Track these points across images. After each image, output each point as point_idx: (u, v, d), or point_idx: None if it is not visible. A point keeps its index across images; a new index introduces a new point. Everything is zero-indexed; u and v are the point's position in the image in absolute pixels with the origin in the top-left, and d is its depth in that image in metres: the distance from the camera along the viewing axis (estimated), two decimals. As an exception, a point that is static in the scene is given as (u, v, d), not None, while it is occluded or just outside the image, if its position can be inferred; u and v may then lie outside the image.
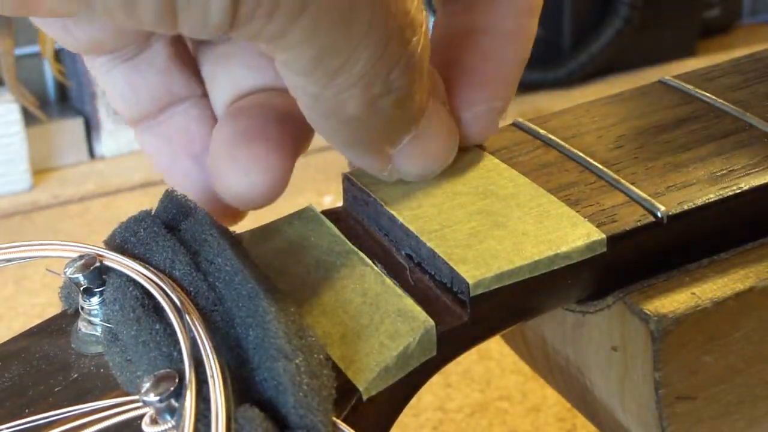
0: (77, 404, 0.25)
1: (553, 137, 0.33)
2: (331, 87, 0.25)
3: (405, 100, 0.27)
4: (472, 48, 0.31)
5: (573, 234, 0.29)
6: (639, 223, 0.29)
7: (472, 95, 0.31)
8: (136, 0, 0.21)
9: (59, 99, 1.09)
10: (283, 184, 0.29)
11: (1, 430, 0.25)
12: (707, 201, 0.30)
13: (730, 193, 0.30)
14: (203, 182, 0.31)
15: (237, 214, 0.31)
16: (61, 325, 0.28)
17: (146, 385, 0.23)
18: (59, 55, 1.05)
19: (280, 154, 0.29)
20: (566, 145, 0.33)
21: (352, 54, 0.24)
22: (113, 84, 0.31)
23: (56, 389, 0.26)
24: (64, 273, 0.27)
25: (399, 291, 0.28)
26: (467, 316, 0.28)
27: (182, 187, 0.30)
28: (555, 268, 0.28)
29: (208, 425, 0.23)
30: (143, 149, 0.32)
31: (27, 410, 0.25)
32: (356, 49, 0.24)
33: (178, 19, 0.22)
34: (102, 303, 0.27)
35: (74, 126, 1.04)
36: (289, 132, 0.29)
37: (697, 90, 0.35)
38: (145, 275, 0.27)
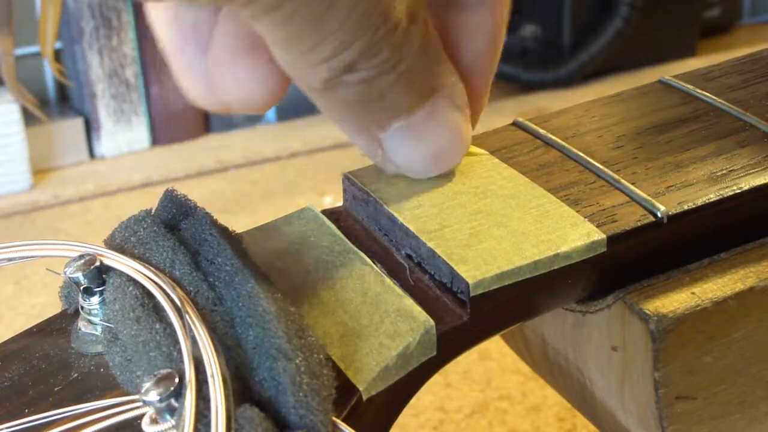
0: (77, 404, 0.25)
1: (553, 137, 0.33)
2: (301, 61, 0.26)
3: (383, 86, 0.28)
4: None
5: (573, 234, 0.29)
6: (639, 223, 0.29)
7: None
8: None
9: (59, 99, 1.09)
10: (277, 97, 0.29)
11: (1, 429, 0.25)
12: (707, 201, 0.30)
13: (730, 193, 0.30)
14: (204, 72, 0.30)
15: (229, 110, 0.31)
16: (61, 324, 0.28)
17: (146, 385, 0.23)
18: (59, 55, 1.05)
19: (277, 68, 0.29)
20: (566, 145, 0.33)
21: (320, 42, 0.26)
22: None
23: (56, 389, 0.26)
24: (64, 272, 0.27)
25: (399, 291, 0.28)
26: (467, 316, 0.28)
27: (183, 73, 0.30)
28: (555, 268, 0.28)
29: (208, 425, 0.23)
30: (153, 27, 0.31)
31: (27, 410, 0.25)
32: (324, 40, 0.26)
33: None
34: (102, 302, 0.27)
35: (74, 126, 1.04)
36: None
37: (697, 90, 0.35)
38: (145, 275, 0.27)
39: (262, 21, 0.25)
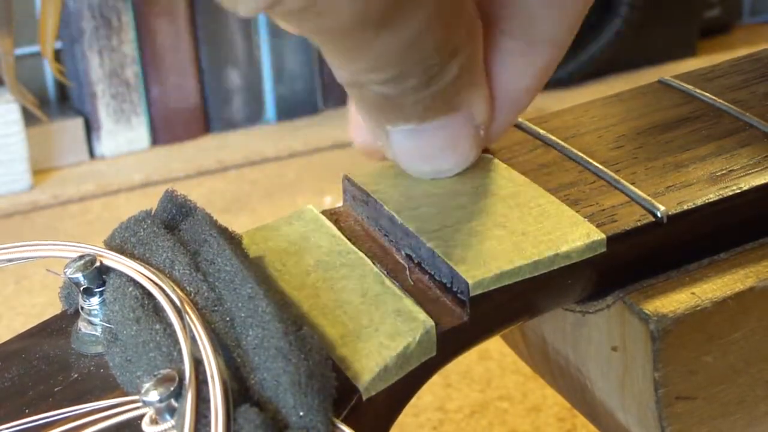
0: (77, 404, 0.25)
1: (553, 137, 0.33)
2: (328, 59, 0.27)
3: (403, 102, 0.28)
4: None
5: (573, 234, 0.29)
6: (639, 223, 0.29)
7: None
8: None
9: (59, 99, 1.09)
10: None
11: (2, 430, 0.25)
12: (707, 201, 0.30)
13: (730, 193, 0.30)
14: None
15: None
16: (61, 325, 0.28)
17: (146, 386, 0.23)
18: (59, 55, 1.05)
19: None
20: (566, 145, 0.33)
21: (351, 62, 0.26)
22: None
23: (56, 389, 0.26)
24: (64, 273, 0.27)
25: (398, 291, 0.28)
26: (467, 316, 0.28)
27: (352, 126, 0.31)
28: (555, 268, 0.28)
29: (207, 425, 0.23)
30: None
31: (27, 410, 0.25)
32: (356, 61, 0.26)
33: None
34: (102, 303, 0.27)
35: (74, 126, 1.04)
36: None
37: (697, 90, 0.35)
38: (145, 275, 0.27)
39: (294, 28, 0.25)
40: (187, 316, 0.25)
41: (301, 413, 0.23)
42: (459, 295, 0.28)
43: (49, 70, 1.05)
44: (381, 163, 0.32)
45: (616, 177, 0.31)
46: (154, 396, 0.23)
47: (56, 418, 0.25)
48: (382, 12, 0.24)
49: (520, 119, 0.34)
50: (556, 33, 0.30)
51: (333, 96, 1.11)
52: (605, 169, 0.31)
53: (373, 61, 0.26)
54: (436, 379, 0.29)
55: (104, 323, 0.27)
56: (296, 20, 0.24)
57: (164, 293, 0.26)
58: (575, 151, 0.32)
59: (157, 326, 0.25)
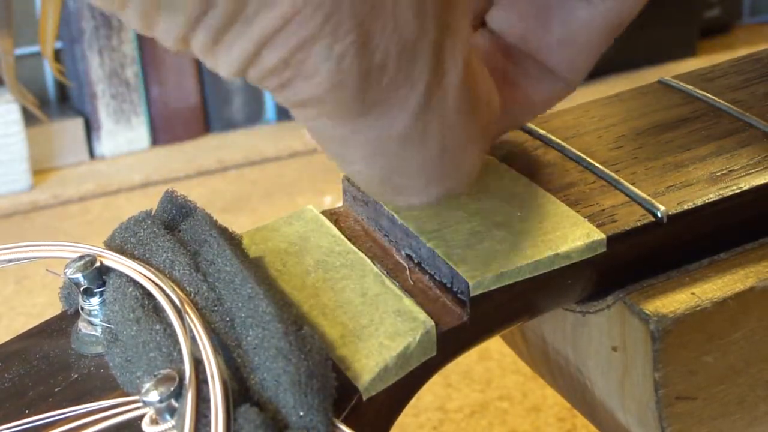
0: (77, 405, 0.25)
1: (553, 137, 0.33)
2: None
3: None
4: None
5: (573, 234, 0.29)
6: (639, 223, 0.29)
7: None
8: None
9: (59, 99, 1.09)
10: None
11: (2, 430, 0.25)
12: (707, 201, 0.30)
13: (730, 193, 0.30)
14: None
15: None
16: (61, 325, 0.28)
17: (146, 386, 0.23)
18: (59, 55, 1.05)
19: None
20: (566, 145, 0.33)
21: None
22: None
23: (56, 390, 0.26)
24: (64, 273, 0.27)
25: (398, 291, 0.28)
26: (467, 316, 0.28)
27: None
28: (555, 268, 0.28)
29: (207, 425, 0.23)
30: None
31: (27, 411, 0.25)
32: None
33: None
34: (102, 303, 0.27)
35: (74, 126, 1.04)
36: None
37: (697, 90, 0.35)
38: (145, 275, 0.27)
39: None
40: (187, 317, 0.25)
41: (301, 413, 0.23)
42: (459, 295, 0.28)
43: (49, 70, 1.05)
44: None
45: (616, 177, 0.31)
46: (154, 396, 0.23)
47: (56, 419, 0.25)
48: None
49: (520, 119, 0.34)
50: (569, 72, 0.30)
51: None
52: (605, 169, 0.31)
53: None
54: (436, 379, 0.29)
55: (104, 323, 0.27)
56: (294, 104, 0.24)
57: (164, 293, 0.26)
58: (575, 151, 0.32)
59: (157, 326, 0.25)
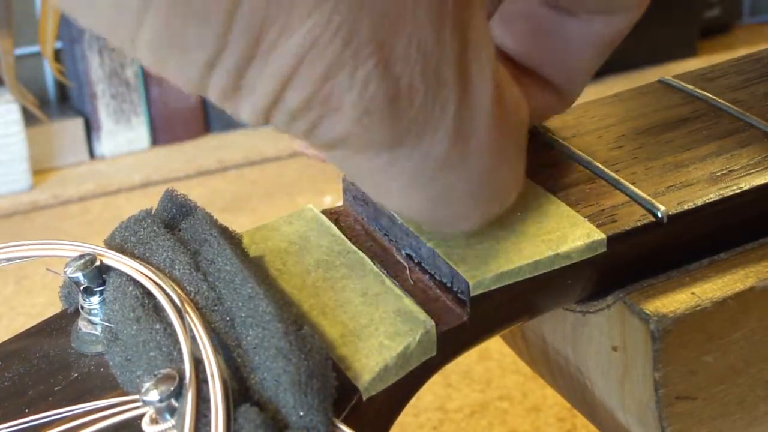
0: (77, 404, 0.25)
1: (553, 137, 0.33)
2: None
3: None
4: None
5: (573, 234, 0.29)
6: (639, 223, 0.29)
7: None
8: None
9: (59, 99, 1.09)
10: None
11: (1, 430, 0.25)
12: (707, 201, 0.30)
13: (730, 193, 0.30)
14: None
15: None
16: (61, 324, 0.28)
17: (146, 385, 0.23)
18: (59, 55, 1.05)
19: None
20: (566, 145, 0.33)
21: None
22: None
23: (56, 389, 0.26)
24: (64, 272, 0.27)
25: (399, 291, 0.28)
26: (467, 316, 0.28)
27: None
28: (555, 268, 0.28)
29: (207, 425, 0.23)
30: None
31: (27, 410, 0.25)
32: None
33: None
34: (102, 302, 0.27)
35: (74, 126, 1.04)
36: None
37: (697, 90, 0.35)
38: (145, 275, 0.27)
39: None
40: (187, 316, 0.25)
41: (301, 413, 0.23)
42: (459, 295, 0.28)
43: (49, 70, 1.05)
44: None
45: (617, 177, 0.31)
46: (154, 395, 0.23)
47: (56, 418, 0.25)
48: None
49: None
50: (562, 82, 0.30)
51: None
52: (605, 169, 0.31)
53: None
54: (436, 379, 0.29)
55: (104, 322, 0.27)
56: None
57: (164, 293, 0.26)
58: (575, 150, 0.32)
59: (157, 326, 0.25)
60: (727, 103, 0.34)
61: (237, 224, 0.30)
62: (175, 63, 0.20)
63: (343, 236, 0.30)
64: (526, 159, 0.27)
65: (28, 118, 1.00)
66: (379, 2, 0.20)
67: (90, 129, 1.05)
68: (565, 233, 0.29)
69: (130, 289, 0.26)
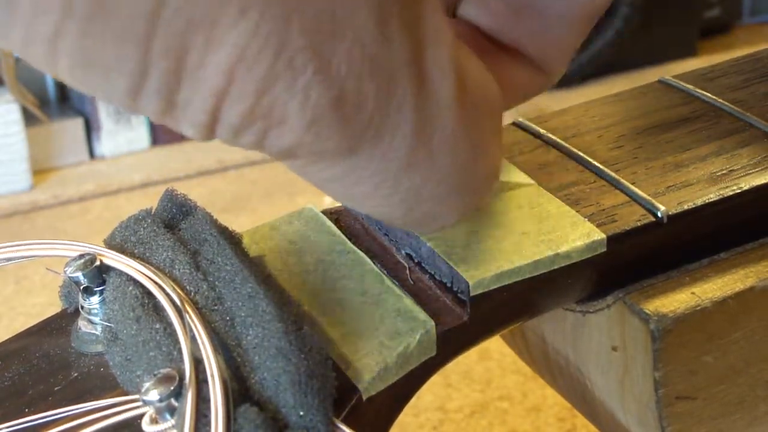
0: (77, 404, 0.25)
1: (553, 137, 0.33)
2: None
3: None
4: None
5: (573, 234, 0.29)
6: (639, 223, 0.29)
7: None
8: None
9: (59, 99, 1.09)
10: None
11: (1, 429, 0.25)
12: (707, 201, 0.30)
13: (730, 193, 0.30)
14: None
15: None
16: (61, 324, 0.28)
17: (146, 385, 0.23)
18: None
19: None
20: (566, 145, 0.33)
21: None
22: None
23: (56, 388, 0.26)
24: (64, 272, 0.27)
25: (398, 291, 0.28)
26: (467, 315, 0.28)
27: None
28: (555, 267, 0.28)
29: (207, 425, 0.23)
30: None
31: (27, 409, 0.25)
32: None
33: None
34: (102, 302, 0.27)
35: (74, 126, 1.04)
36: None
37: (697, 90, 0.35)
38: (145, 274, 0.27)
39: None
40: (187, 316, 0.25)
41: (301, 413, 0.23)
42: (459, 295, 0.28)
43: (49, 70, 1.05)
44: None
45: (617, 177, 0.31)
46: (154, 395, 0.23)
47: (56, 418, 0.25)
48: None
49: (520, 119, 0.34)
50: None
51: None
52: (605, 169, 0.31)
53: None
54: (436, 379, 0.29)
55: (104, 322, 0.27)
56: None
57: (164, 292, 0.26)
58: (575, 150, 0.32)
59: (157, 325, 0.25)
60: (727, 103, 0.34)
61: (237, 224, 0.30)
62: (100, 88, 0.20)
63: (343, 236, 0.30)
64: (502, 141, 0.26)
65: (28, 118, 1.00)
66: (309, 8, 0.19)
67: (90, 129, 1.05)
68: (565, 233, 0.29)
69: (130, 288, 0.26)
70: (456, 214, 0.25)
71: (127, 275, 0.27)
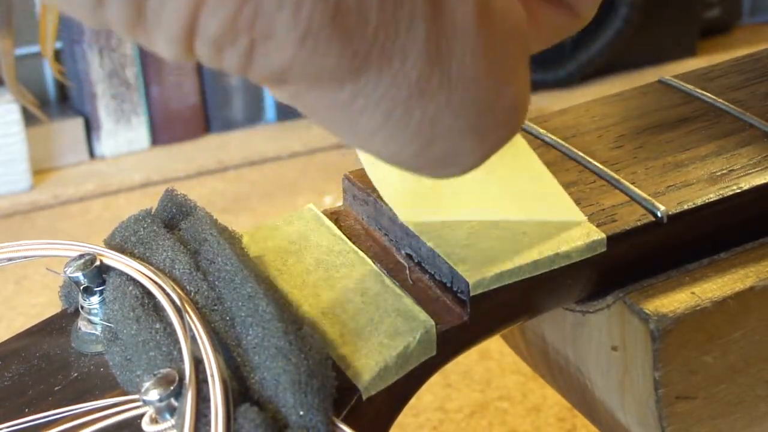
0: (77, 403, 0.25)
1: (553, 137, 0.33)
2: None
3: None
4: None
5: (573, 234, 0.29)
6: (639, 223, 0.29)
7: None
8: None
9: (59, 99, 1.09)
10: None
11: (1, 429, 0.25)
12: (707, 201, 0.30)
13: (730, 193, 0.30)
14: None
15: None
16: (61, 324, 0.28)
17: (146, 385, 0.23)
18: (59, 55, 1.05)
19: None
20: (566, 145, 0.33)
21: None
22: None
23: (56, 388, 0.26)
24: (64, 272, 0.27)
25: (399, 291, 0.28)
26: (467, 315, 0.28)
27: None
28: (555, 267, 0.28)
29: (208, 424, 0.23)
30: None
31: (27, 409, 0.25)
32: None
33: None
34: (102, 302, 0.27)
35: (74, 126, 1.04)
36: None
37: (697, 90, 0.35)
38: (145, 274, 0.27)
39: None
40: (187, 316, 0.25)
41: (301, 412, 0.23)
42: (459, 295, 0.28)
43: (49, 70, 1.05)
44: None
45: (617, 177, 0.31)
46: (154, 395, 0.23)
47: (56, 418, 0.25)
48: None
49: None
50: None
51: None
52: (605, 169, 0.31)
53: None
54: (436, 379, 0.29)
55: (104, 322, 0.27)
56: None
57: (164, 292, 0.26)
58: (575, 150, 0.32)
59: (157, 325, 0.25)
60: (727, 103, 0.34)
61: (237, 224, 0.30)
62: None
63: (343, 236, 0.30)
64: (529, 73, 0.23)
65: (28, 118, 1.00)
66: None
67: (90, 129, 1.05)
68: (565, 233, 0.29)
69: (130, 288, 0.26)
70: (477, 156, 0.22)
71: (127, 275, 0.27)
